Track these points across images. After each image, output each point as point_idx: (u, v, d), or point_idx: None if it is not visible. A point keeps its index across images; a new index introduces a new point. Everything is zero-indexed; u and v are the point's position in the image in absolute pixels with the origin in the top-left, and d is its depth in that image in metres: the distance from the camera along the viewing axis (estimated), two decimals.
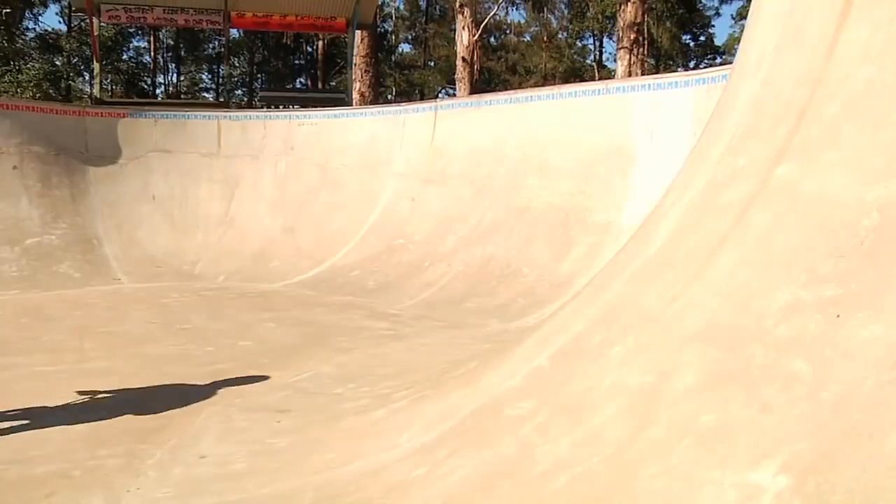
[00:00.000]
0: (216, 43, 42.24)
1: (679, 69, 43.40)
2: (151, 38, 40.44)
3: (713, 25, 46.54)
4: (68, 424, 3.73)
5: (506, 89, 42.68)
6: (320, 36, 33.53)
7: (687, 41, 43.87)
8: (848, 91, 2.06)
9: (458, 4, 23.52)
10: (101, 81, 19.65)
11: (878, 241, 1.78)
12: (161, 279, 9.86)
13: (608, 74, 38.93)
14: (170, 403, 4.09)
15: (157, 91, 42.98)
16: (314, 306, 8.05)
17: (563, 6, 43.39)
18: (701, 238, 2.42)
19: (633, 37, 18.90)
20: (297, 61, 44.12)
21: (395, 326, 6.92)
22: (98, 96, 17.72)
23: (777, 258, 2.05)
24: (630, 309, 2.61)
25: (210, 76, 47.82)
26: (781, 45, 2.49)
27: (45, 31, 36.12)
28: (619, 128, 8.56)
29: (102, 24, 18.99)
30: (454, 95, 28.75)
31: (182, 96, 44.12)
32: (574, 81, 40.44)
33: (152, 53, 41.35)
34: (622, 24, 19.46)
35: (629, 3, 19.10)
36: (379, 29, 37.38)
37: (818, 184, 2.03)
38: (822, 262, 1.88)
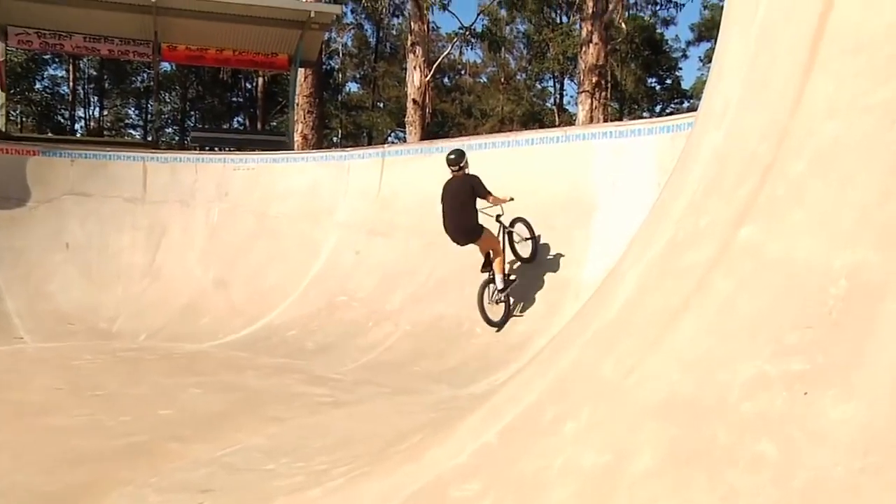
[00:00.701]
0: (145, 75, 41.76)
1: (644, 113, 44.63)
2: (71, 67, 38.67)
3: (680, 68, 48.14)
4: None
5: (460, 133, 43.24)
6: (260, 72, 33.49)
7: (653, 84, 45.14)
8: (814, 147, 2.10)
9: (409, 43, 23.91)
10: (7, 113, 19.29)
11: (847, 310, 1.79)
12: (72, 338, 9.57)
13: (569, 118, 39.82)
14: (71, 485, 3.90)
15: (76, 126, 41.76)
16: (246, 369, 7.88)
17: (521, 46, 44.46)
18: (660, 303, 2.42)
19: (595, 80, 19.43)
20: (234, 99, 44.01)
21: (335, 393, 6.79)
22: (3, 130, 17.31)
23: (741, 326, 2.05)
24: (585, 379, 2.59)
25: (137, 112, 46.94)
26: (745, 97, 2.54)
27: None
28: (579, 177, 8.70)
29: (10, 48, 18.66)
30: (404, 139, 29.01)
31: (105, 133, 43.12)
32: (533, 125, 41.23)
33: (71, 84, 39.52)
34: (584, 67, 20.04)
35: (591, 45, 19.70)
36: (324, 66, 37.66)
37: (783, 247, 2.04)
38: (789, 332, 1.88)
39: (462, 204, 8.07)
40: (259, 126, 35.99)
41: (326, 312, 9.76)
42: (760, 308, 2.02)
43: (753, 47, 2.58)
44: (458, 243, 8.29)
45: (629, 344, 2.44)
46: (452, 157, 8.29)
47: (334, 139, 45.86)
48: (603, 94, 19.98)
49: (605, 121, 20.72)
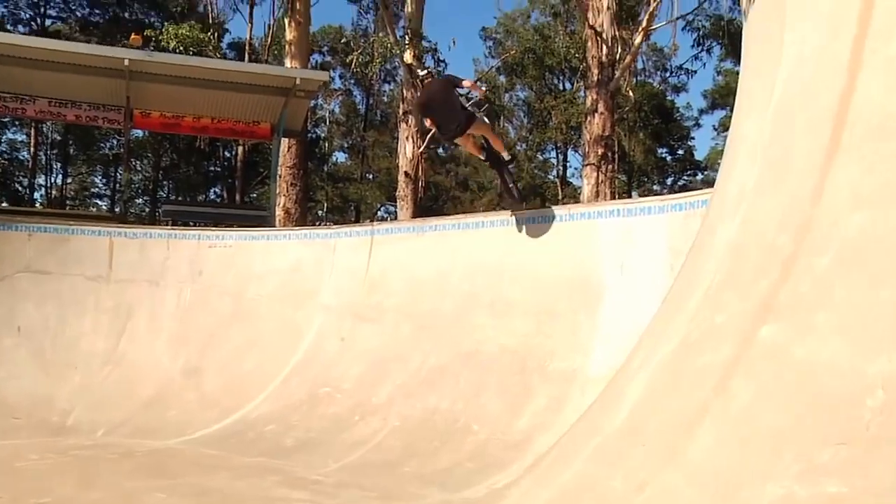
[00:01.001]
0: (115, 142, 41.89)
1: (655, 186, 45.07)
2: (32, 132, 38.39)
3: (692, 137, 48.62)
4: None
5: (455, 207, 43.49)
6: (240, 141, 33.83)
7: (663, 154, 45.71)
8: (840, 240, 2.07)
9: (401, 111, 24.24)
10: None
11: (886, 425, 1.73)
12: (17, 434, 9.22)
13: (573, 192, 40.17)
14: None
15: (36, 196, 41.45)
16: (218, 470, 7.67)
17: (521, 114, 45.22)
18: (674, 409, 2.37)
19: (601, 151, 19.69)
20: (212, 168, 44.31)
21: (316, 497, 6.60)
22: None
23: (765, 439, 1.99)
24: (591, 495, 2.51)
25: (105, 180, 46.80)
26: (762, 183, 2.54)
27: None
28: (584, 258, 8.62)
29: None
30: (395, 214, 29.19)
31: (68, 204, 42.84)
32: (534, 199, 41.51)
33: (32, 149, 39.13)
34: (589, 138, 20.30)
35: (596, 114, 20.02)
36: (310, 135, 38.13)
37: (810, 350, 2.00)
38: (820, 448, 1.82)
39: (451, 103, 8.79)
40: (238, 198, 36.22)
41: (308, 405, 9.51)
42: (786, 418, 1.97)
43: (770, 129, 2.59)
44: (458, 142, 9.30)
45: (640, 455, 2.38)
46: (423, 72, 9.60)
47: (319, 212, 46.14)
48: (610, 166, 20.23)
49: (613, 195, 20.89)
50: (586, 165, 20.45)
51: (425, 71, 8.96)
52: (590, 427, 2.90)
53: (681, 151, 46.03)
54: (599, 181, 19.43)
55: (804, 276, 2.13)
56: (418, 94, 9.20)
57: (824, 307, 2.03)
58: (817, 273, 2.10)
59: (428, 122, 9.19)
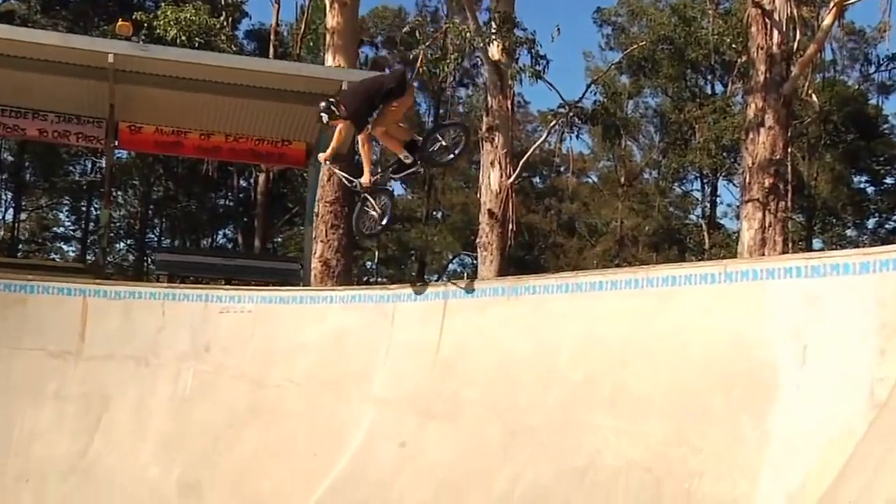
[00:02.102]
0: (88, 165, 42.14)
1: (848, 230, 43.91)
2: None
3: None
4: None
5: (556, 258, 43.17)
6: (262, 166, 33.86)
7: (862, 185, 44.15)
8: None
9: (484, 127, 23.87)
10: None
11: None
12: None
13: (726, 239, 39.47)
14: None
15: None
16: None
17: (651, 130, 44.84)
18: None
19: (768, 182, 19.34)
20: (221, 201, 44.43)
21: None
22: None
23: None
24: None
25: (73, 218, 47.48)
26: None
27: None
28: (748, 336, 8.46)
29: None
30: (475, 269, 29.10)
31: (20, 249, 43.52)
32: (670, 250, 40.92)
33: None
34: (751, 163, 19.94)
35: (762, 129, 19.65)
36: (358, 158, 38.14)
37: None
38: None
39: None
40: (258, 244, 36.18)
41: None
42: None
43: None
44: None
45: None
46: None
47: (369, 264, 46.26)
48: (782, 203, 19.79)
49: (786, 244, 20.48)
50: (747, 202, 20.00)
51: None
52: None
53: (890, 180, 44.01)
54: (767, 224, 19.04)
55: None
56: None
57: None
58: None
59: None
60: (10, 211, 45.72)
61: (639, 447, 8.59)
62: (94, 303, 12.42)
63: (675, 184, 45.32)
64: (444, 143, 11.20)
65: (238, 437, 11.34)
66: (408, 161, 11.21)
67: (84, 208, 45.65)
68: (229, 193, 44.30)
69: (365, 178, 11.28)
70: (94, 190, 42.80)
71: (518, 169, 22.94)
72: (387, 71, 11.80)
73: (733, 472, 7.95)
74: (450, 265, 45.70)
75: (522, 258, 40.56)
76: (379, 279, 46.38)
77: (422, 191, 46.94)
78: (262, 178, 36.23)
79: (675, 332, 8.98)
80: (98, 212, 40.61)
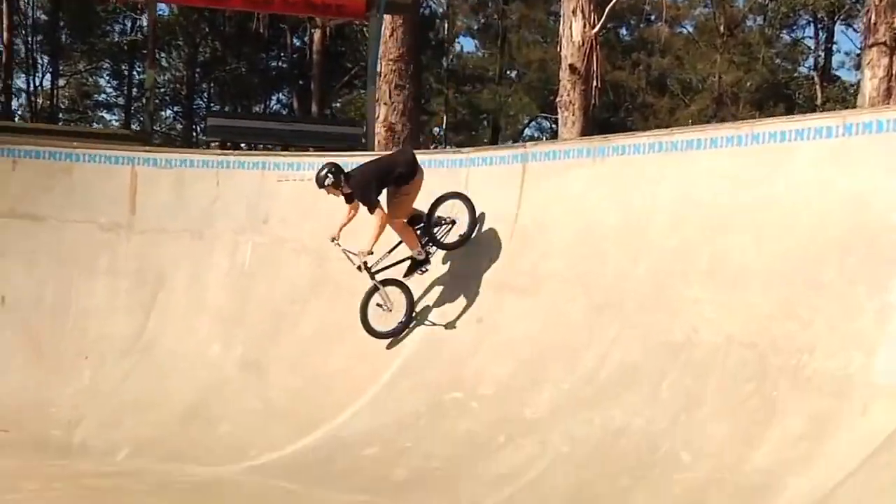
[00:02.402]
0: (128, 25, 42.04)
1: None
2: (5, 8, 36.86)
3: None
4: None
5: (646, 120, 42.36)
6: (317, 21, 33.32)
7: None
8: None
9: None
10: None
11: None
12: (3, 453, 9.49)
13: (842, 93, 38.06)
14: None
15: (14, 104, 41.91)
16: None
17: None
18: None
19: None
20: (274, 63, 44.32)
21: None
22: None
23: None
24: None
25: (115, 83, 47.60)
26: None
27: None
28: (870, 199, 8.20)
29: None
30: (555, 131, 28.59)
31: (61, 118, 43.41)
32: (777, 106, 39.72)
33: (5, 36, 37.31)
34: (876, 1, 18.63)
35: None
36: (423, 10, 37.29)
37: None
38: None
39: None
40: (315, 109, 36.12)
41: (428, 419, 9.61)
42: None
43: None
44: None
45: None
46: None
47: (437, 130, 45.79)
48: None
49: None
50: (871, 46, 18.81)
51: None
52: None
53: None
54: (894, 72, 17.92)
55: None
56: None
57: None
58: None
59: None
60: (48, 77, 44.86)
61: (740, 322, 8.57)
62: (143, 172, 12.48)
63: (784, 31, 43.94)
64: (445, 222, 10.99)
65: (302, 312, 11.50)
66: (420, 258, 10.86)
67: (126, 72, 45.57)
68: (282, 54, 44.16)
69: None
70: (136, 52, 42.96)
71: (603, 18, 22.19)
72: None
73: (848, 346, 7.89)
74: (525, 129, 45.23)
75: (607, 120, 39.88)
76: (448, 146, 46.27)
77: (495, 46, 46.11)
78: (317, 35, 35.82)
79: (784, 195, 8.83)
80: (141, 75, 40.36)
